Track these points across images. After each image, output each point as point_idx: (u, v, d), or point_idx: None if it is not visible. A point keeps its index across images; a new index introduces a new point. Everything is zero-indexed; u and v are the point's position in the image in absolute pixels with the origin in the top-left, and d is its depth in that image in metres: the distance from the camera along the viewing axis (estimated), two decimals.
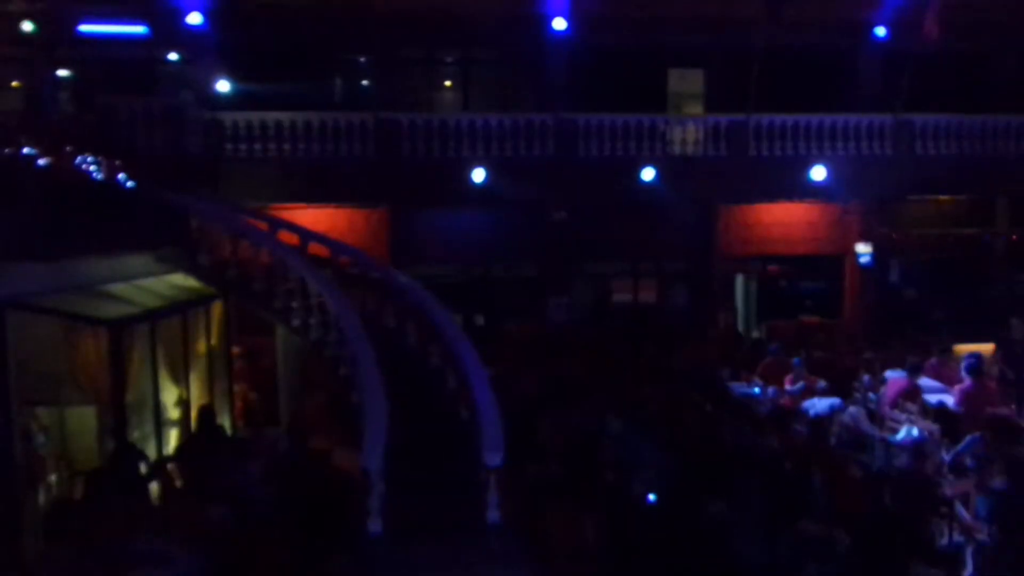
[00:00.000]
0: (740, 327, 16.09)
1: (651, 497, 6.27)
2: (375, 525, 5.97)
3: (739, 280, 16.56)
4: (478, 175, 13.41)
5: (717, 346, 13.61)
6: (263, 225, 10.68)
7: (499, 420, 6.32)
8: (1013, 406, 9.71)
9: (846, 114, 14.47)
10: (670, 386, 9.84)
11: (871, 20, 12.90)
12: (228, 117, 13.36)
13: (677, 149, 14.37)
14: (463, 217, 14.87)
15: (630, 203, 14.49)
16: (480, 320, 14.86)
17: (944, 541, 6.67)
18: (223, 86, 13.95)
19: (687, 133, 14.49)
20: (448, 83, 16.44)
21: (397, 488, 6.10)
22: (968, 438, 7.33)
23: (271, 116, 13.42)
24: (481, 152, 13.75)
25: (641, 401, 8.58)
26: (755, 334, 15.74)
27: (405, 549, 5.86)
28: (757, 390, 10.35)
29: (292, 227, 11.08)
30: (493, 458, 6.04)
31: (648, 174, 13.62)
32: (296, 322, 9.15)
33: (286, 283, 9.18)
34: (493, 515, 6.08)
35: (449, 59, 16.16)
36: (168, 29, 13.52)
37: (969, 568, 6.66)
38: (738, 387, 10.58)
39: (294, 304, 9.10)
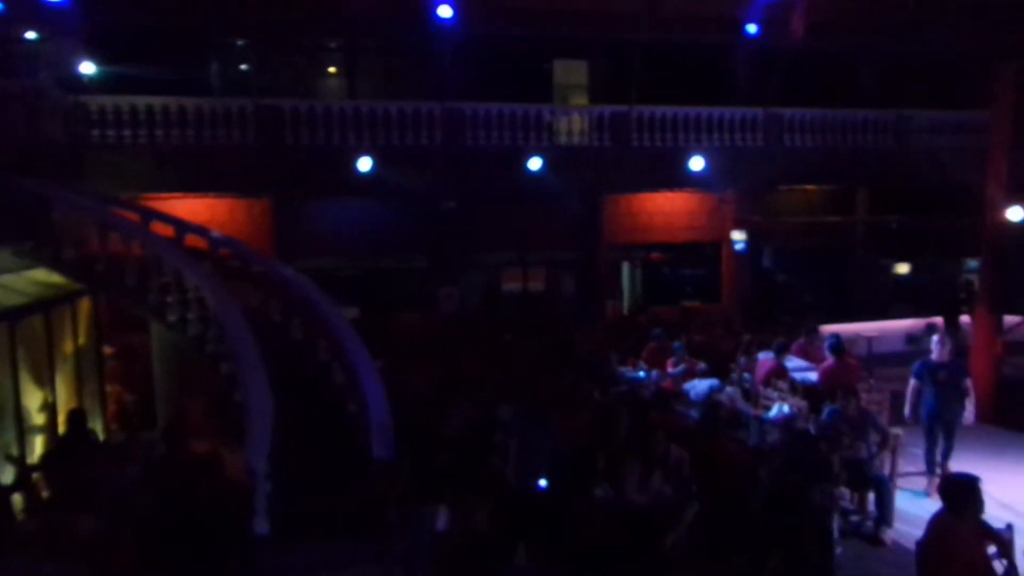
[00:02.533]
0: (626, 313, 16.59)
1: (542, 483, 6.39)
2: (262, 526, 5.81)
3: (625, 268, 17.07)
4: (365, 164, 13.17)
5: (605, 333, 13.98)
6: (134, 216, 10.15)
7: (388, 413, 6.27)
8: (872, 381, 10.49)
9: (721, 107, 15.09)
10: (560, 373, 10.02)
11: (744, 18, 13.48)
12: (93, 101, 12.56)
13: (563, 139, 14.59)
14: (351, 207, 14.61)
15: (518, 193, 14.62)
16: (370, 312, 14.66)
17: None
18: (87, 68, 13.04)
19: (572, 123, 14.74)
20: (333, 70, 16.03)
21: (284, 487, 5.95)
22: (827, 410, 7.86)
23: (142, 100, 12.71)
24: (368, 141, 13.51)
25: (532, 389, 8.70)
26: (640, 320, 16.25)
27: (294, 549, 5.72)
28: (642, 374, 10.70)
29: (167, 218, 10.57)
30: (383, 451, 5.99)
31: (535, 164, 13.77)
32: (172, 318, 8.73)
33: (161, 277, 8.74)
34: (385, 510, 6.02)
35: (333, 45, 15.75)
36: (25, 4, 12.52)
37: (836, 532, 7.17)
38: (626, 371, 10.91)
39: (170, 299, 8.68)
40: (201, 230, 10.56)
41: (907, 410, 8.68)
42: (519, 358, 10.91)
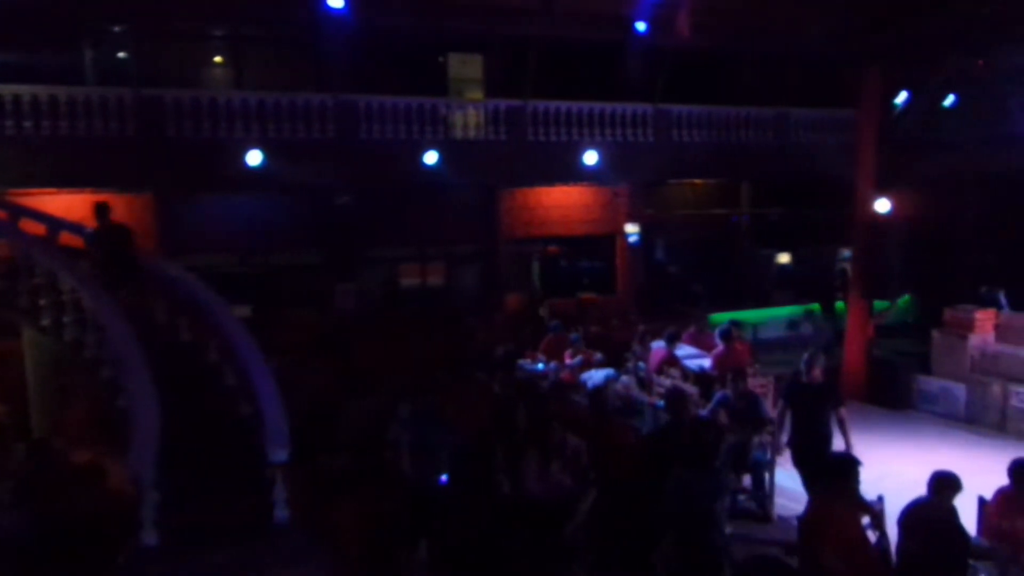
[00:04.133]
0: (528, 307, 16.75)
1: (443, 479, 6.38)
2: (150, 537, 5.55)
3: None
4: (254, 158, 12.70)
5: (505, 326, 14.07)
6: (2, 213, 9.46)
7: (283, 414, 6.11)
8: (757, 366, 11.01)
9: (613, 103, 15.43)
10: (460, 368, 10.03)
11: (633, 16, 13.82)
12: None
13: (459, 133, 14.54)
14: (241, 202, 14.08)
15: (415, 187, 14.50)
16: (264, 310, 14.22)
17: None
18: None
19: (468, 117, 14.72)
20: (219, 59, 15.39)
21: (174, 495, 5.70)
22: (717, 395, 8.21)
23: (7, 89, 11.81)
24: (257, 133, 13.02)
25: (430, 384, 8.67)
26: (540, 312, 16.45)
27: (185, 558, 5.50)
28: (541, 366, 10.83)
29: (38, 215, 9.92)
30: (278, 454, 5.84)
31: (431, 158, 13.66)
32: (46, 322, 8.20)
33: (32, 278, 8.19)
34: (281, 513, 5.88)
35: (219, 33, 15.12)
36: None
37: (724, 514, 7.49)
38: (525, 364, 11.02)
39: (43, 302, 8.15)
40: (77, 228, 9.95)
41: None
42: (417, 353, 10.83)
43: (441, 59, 15.86)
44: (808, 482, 6.96)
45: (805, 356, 7.47)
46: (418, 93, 14.24)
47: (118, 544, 5.53)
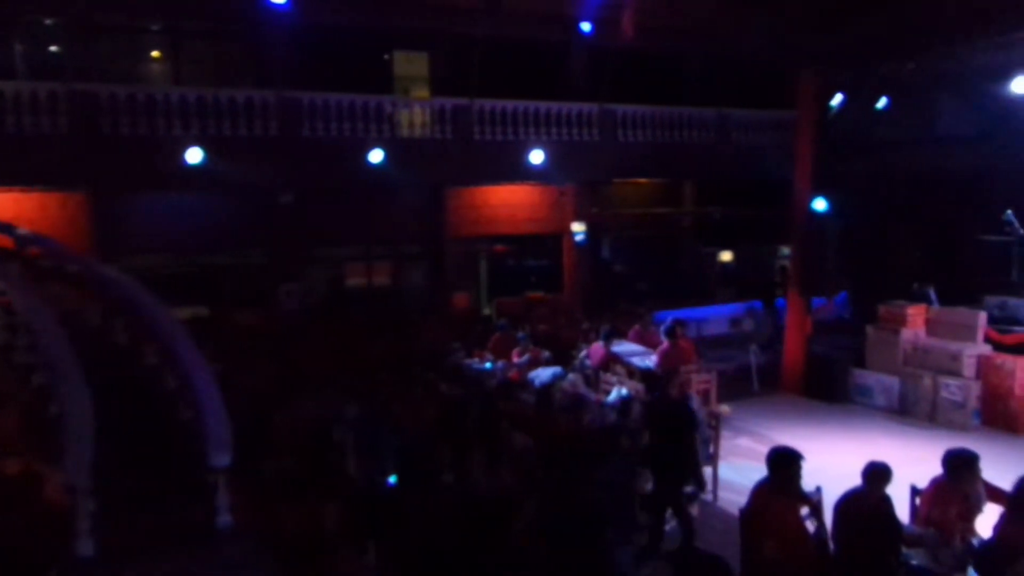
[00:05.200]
0: (476, 306, 16.75)
1: (391, 480, 6.34)
2: (86, 547, 5.37)
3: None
4: (194, 155, 12.39)
5: (452, 326, 14.04)
6: None
7: (225, 417, 5.98)
8: (701, 361, 11.22)
9: (559, 102, 15.51)
10: (407, 368, 9.97)
11: (578, 17, 13.93)
12: None
13: (404, 131, 14.45)
14: (180, 201, 13.74)
15: (360, 185, 14.36)
16: (206, 311, 13.91)
17: (650, 487, 7.54)
18: None
19: (414, 116, 14.64)
20: (156, 54, 14.99)
21: (112, 503, 5.53)
22: (656, 393, 8.31)
23: None
24: (196, 130, 12.71)
25: (378, 385, 8.61)
26: (486, 311, 16.48)
27: (123, 569, 5.34)
28: (489, 365, 10.84)
29: None
30: (220, 458, 5.71)
31: (377, 156, 13.54)
32: None
33: None
34: (224, 520, 5.75)
35: (156, 27, 14.72)
36: None
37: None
38: (473, 363, 11.02)
39: None
40: (6, 227, 9.54)
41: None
42: (363, 354, 10.74)
43: (386, 56, 15.72)
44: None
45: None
46: (363, 90, 14.09)
47: (52, 556, 5.35)
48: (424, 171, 14.61)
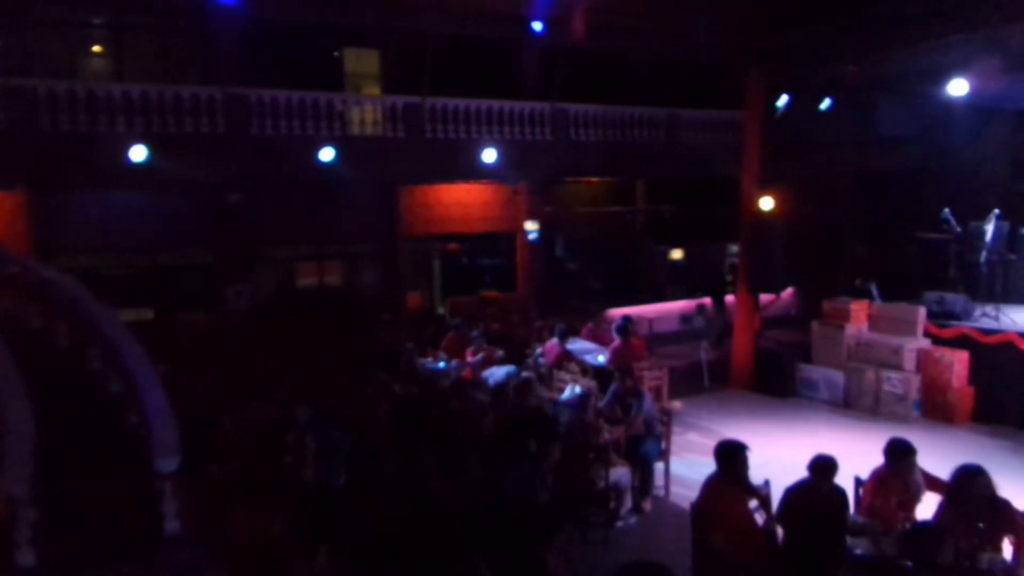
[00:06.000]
0: (429, 305, 16.69)
1: (342, 482, 6.28)
2: (26, 558, 5.21)
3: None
4: (138, 153, 12.06)
5: (405, 325, 13.97)
6: None
7: (172, 421, 5.85)
8: (652, 359, 11.37)
9: (511, 101, 15.54)
10: (359, 369, 9.88)
11: (529, 15, 13.97)
12: None
13: (356, 129, 14.31)
14: (124, 200, 13.42)
15: (311, 184, 14.18)
16: (152, 313, 13.61)
17: (603, 483, 7.62)
18: None
19: (365, 113, 14.51)
20: (98, 49, 14.57)
21: (54, 512, 5.37)
22: (611, 388, 8.42)
23: None
24: (140, 128, 12.39)
25: (330, 387, 8.52)
26: (440, 311, 16.43)
27: None
28: (443, 364, 10.81)
29: None
30: (167, 463, 5.59)
31: (327, 154, 13.36)
32: None
33: None
34: (171, 526, 5.64)
35: (97, 21, 14.32)
36: None
37: (628, 504, 7.72)
38: (426, 363, 10.97)
39: None
40: None
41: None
42: (315, 355, 10.61)
43: (336, 53, 15.57)
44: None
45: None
46: (313, 88, 13.92)
47: None
48: (376, 169, 14.50)
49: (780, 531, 5.67)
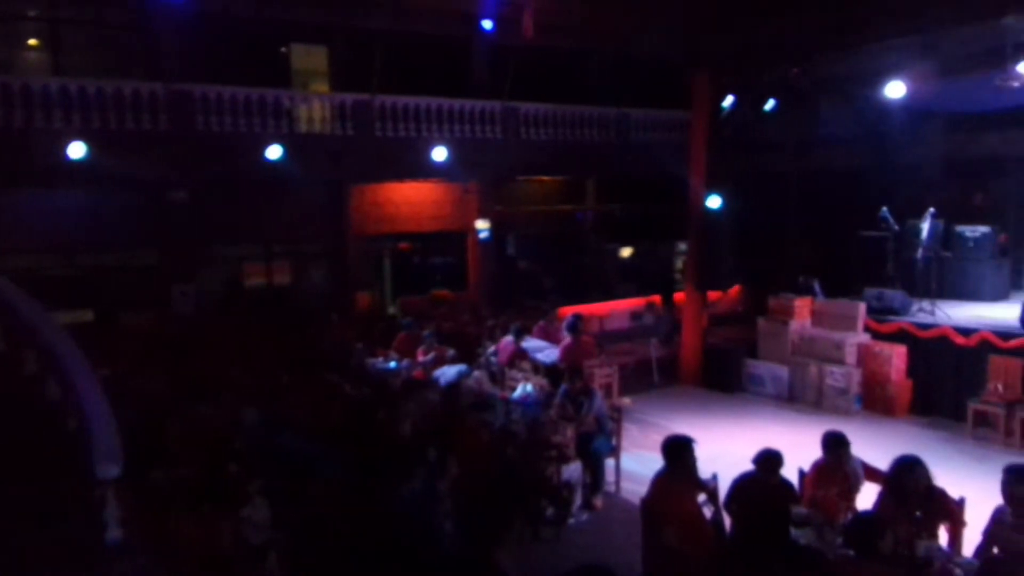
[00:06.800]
0: (380, 304, 16.56)
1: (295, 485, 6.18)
2: None
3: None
4: (76, 150, 11.69)
5: (356, 326, 13.83)
6: None
7: (114, 427, 5.69)
8: (603, 356, 11.48)
9: (462, 99, 15.51)
10: (309, 370, 9.75)
11: (478, 13, 13.95)
12: None
13: (304, 127, 14.12)
14: (62, 199, 12.98)
15: (258, 182, 13.94)
16: (93, 315, 13.22)
17: (556, 480, 7.67)
18: None
19: (313, 111, 14.32)
20: (33, 42, 14.08)
21: None
22: (562, 388, 8.48)
23: None
24: (79, 123, 12.03)
25: (279, 389, 8.40)
26: (391, 310, 16.32)
27: None
28: (394, 364, 10.74)
29: None
30: (108, 470, 5.43)
31: (275, 152, 13.15)
32: None
33: None
34: (113, 535, 5.48)
35: (32, 13, 13.83)
36: None
37: (579, 501, 7.77)
38: (377, 363, 10.89)
39: None
40: None
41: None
42: (263, 356, 10.44)
43: (283, 49, 15.33)
44: None
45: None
46: (259, 84, 13.68)
47: None
48: (325, 168, 14.32)
49: (728, 524, 5.78)
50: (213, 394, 7.87)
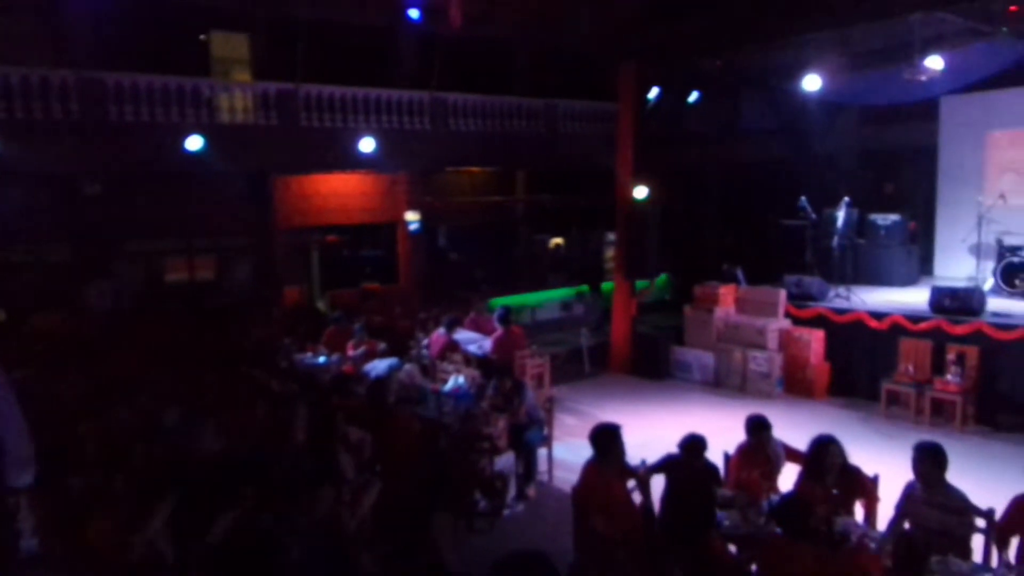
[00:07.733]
0: (308, 298, 16.26)
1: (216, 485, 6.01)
2: None
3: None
4: None
5: (282, 320, 13.56)
6: None
7: (26, 432, 5.43)
8: (534, 347, 11.55)
9: (389, 89, 15.31)
10: (234, 367, 9.52)
11: (406, 3, 13.77)
12: None
13: (226, 117, 13.70)
14: None
15: (178, 174, 13.48)
16: (2, 315, 12.57)
17: (489, 471, 7.69)
18: None
19: (235, 100, 13.91)
20: None
21: None
22: (493, 381, 8.50)
23: None
24: None
25: (201, 387, 8.16)
26: (320, 304, 16.05)
27: None
28: (323, 359, 10.58)
29: None
30: (21, 478, 5.18)
31: (195, 143, 12.71)
32: None
33: None
34: (28, 544, 5.26)
35: None
36: None
37: (512, 491, 7.82)
38: (306, 358, 10.70)
39: None
40: None
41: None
42: (185, 354, 10.13)
43: (203, 37, 14.82)
44: None
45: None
46: (177, 72, 13.20)
47: None
48: (248, 159, 13.95)
49: (656, 508, 5.91)
50: (131, 395, 7.60)
